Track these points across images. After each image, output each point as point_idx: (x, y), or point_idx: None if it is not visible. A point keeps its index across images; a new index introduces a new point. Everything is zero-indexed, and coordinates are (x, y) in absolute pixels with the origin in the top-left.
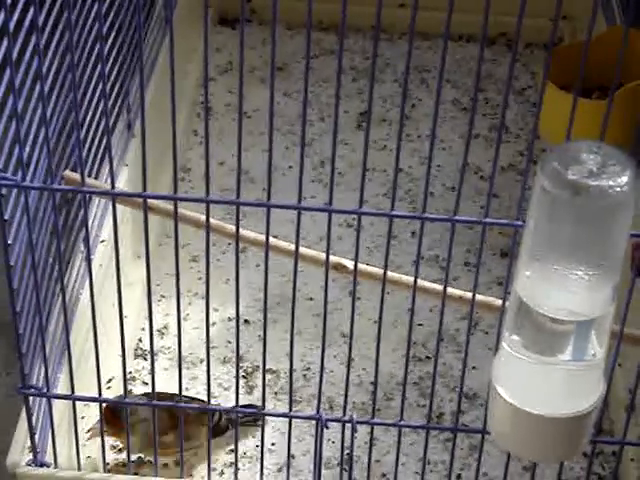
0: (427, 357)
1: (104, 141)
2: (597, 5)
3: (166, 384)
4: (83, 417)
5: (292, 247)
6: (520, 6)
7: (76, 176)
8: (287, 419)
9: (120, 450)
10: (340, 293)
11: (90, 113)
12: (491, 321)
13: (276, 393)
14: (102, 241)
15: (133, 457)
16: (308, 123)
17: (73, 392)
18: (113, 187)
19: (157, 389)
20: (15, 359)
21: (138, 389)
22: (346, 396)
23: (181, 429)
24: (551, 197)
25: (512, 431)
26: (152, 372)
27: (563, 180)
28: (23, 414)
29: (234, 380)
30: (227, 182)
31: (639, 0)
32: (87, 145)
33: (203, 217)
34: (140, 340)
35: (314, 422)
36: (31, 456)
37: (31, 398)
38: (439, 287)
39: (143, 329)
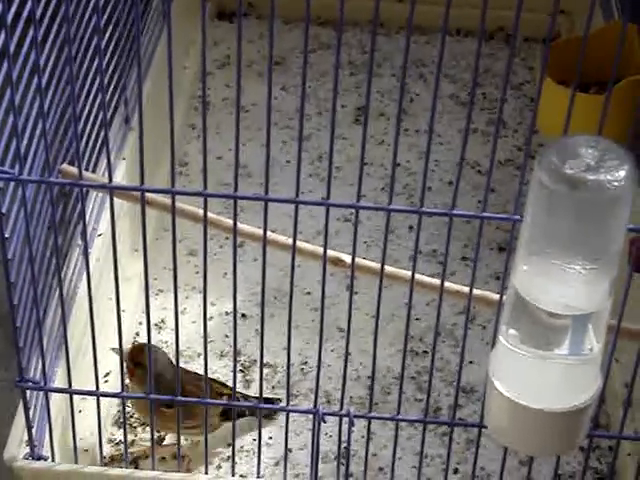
0: (424, 351)
1: (101, 134)
2: (595, 0)
3: None
4: (80, 411)
5: (290, 241)
6: (518, 1)
7: (73, 170)
8: (284, 413)
9: (118, 443)
10: (337, 287)
11: (87, 106)
12: (488, 315)
13: (273, 387)
14: (99, 235)
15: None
16: (306, 117)
17: (70, 386)
18: (110, 181)
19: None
20: (12, 352)
21: None
22: (343, 390)
23: (205, 424)
24: (549, 191)
25: (509, 425)
26: (149, 366)
27: (561, 174)
28: (20, 408)
29: (231, 374)
30: (225, 176)
31: None
32: (84, 138)
33: (201, 211)
34: (137, 334)
35: (311, 416)
36: (28, 450)
37: (28, 392)
38: (436, 281)
39: (140, 323)
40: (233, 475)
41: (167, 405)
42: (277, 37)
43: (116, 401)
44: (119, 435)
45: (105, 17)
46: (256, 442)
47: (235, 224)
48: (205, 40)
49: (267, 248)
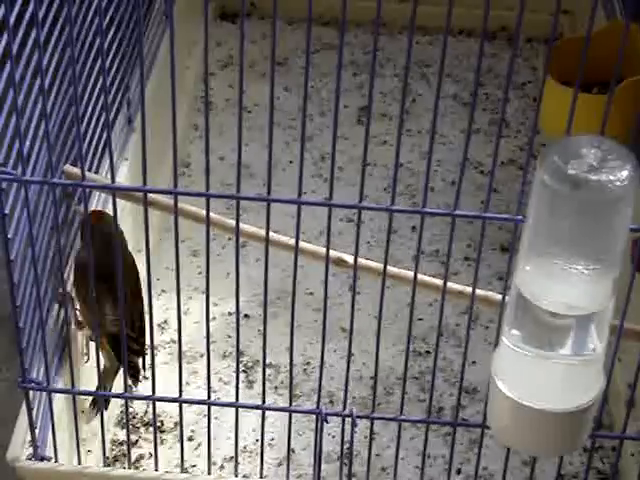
0: (427, 352)
1: (104, 135)
2: (598, 0)
3: (166, 378)
4: (83, 411)
5: (292, 242)
6: (520, 1)
7: (76, 170)
8: (287, 413)
9: (121, 443)
10: (340, 288)
11: (90, 107)
12: (491, 316)
13: (276, 387)
14: None
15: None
16: (308, 118)
17: (73, 386)
18: (113, 181)
19: (157, 383)
20: (15, 353)
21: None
22: (346, 390)
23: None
24: (551, 191)
25: (512, 425)
26: (152, 366)
27: (563, 174)
28: (23, 408)
29: (234, 374)
30: (227, 177)
31: None
32: (87, 139)
33: (203, 211)
34: None
35: (314, 416)
36: (31, 450)
37: (31, 392)
38: (439, 282)
39: None
40: (236, 475)
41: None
42: (280, 37)
43: (119, 402)
44: (122, 435)
45: (107, 18)
46: (259, 442)
47: (238, 224)
48: (208, 41)
49: (270, 248)
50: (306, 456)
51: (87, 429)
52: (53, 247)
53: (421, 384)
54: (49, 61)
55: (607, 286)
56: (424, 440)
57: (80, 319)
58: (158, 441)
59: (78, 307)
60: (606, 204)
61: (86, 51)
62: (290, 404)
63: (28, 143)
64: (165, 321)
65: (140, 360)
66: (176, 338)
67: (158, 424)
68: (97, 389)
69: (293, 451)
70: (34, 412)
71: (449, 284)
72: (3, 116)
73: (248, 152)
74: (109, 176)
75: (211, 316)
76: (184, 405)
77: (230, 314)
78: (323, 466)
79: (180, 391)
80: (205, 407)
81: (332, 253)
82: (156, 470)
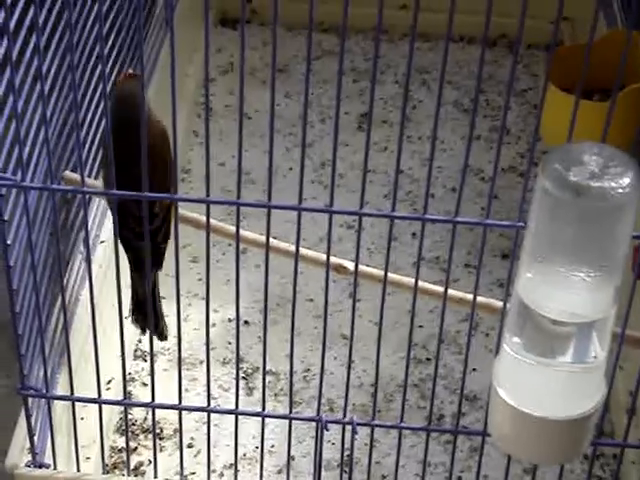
0: (427, 359)
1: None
2: (599, 7)
3: (166, 385)
4: (82, 418)
5: (292, 248)
6: (521, 8)
7: (76, 176)
8: (287, 421)
9: (120, 450)
10: (340, 294)
11: (90, 113)
12: (492, 323)
13: (276, 395)
14: (102, 242)
15: None
16: (309, 124)
17: (72, 393)
18: (113, 187)
19: (157, 390)
20: (14, 360)
21: (137, 390)
22: (346, 398)
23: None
24: (553, 199)
25: (513, 433)
26: (152, 373)
27: (565, 182)
28: (22, 415)
29: (234, 381)
30: (227, 183)
31: None
32: (87, 145)
33: (203, 218)
34: (140, 341)
35: (314, 424)
36: (30, 457)
37: (30, 399)
38: (440, 288)
39: None
40: None
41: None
42: (280, 44)
43: (118, 408)
44: (121, 442)
45: (108, 24)
46: (259, 450)
47: (238, 231)
48: (208, 47)
49: (270, 255)
50: (306, 464)
51: (86, 436)
52: (52, 253)
53: (421, 391)
54: (49, 67)
55: (609, 294)
56: (424, 448)
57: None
58: (157, 448)
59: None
60: (608, 211)
61: (86, 57)
62: (290, 411)
63: (28, 149)
64: None
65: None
66: (176, 345)
67: (157, 431)
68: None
69: (293, 458)
70: (33, 419)
71: (450, 291)
72: (3, 121)
73: (248, 158)
74: None
75: (211, 323)
76: (184, 412)
77: (230, 320)
78: (323, 474)
79: (180, 398)
80: (205, 414)
81: (332, 260)
82: (155, 477)
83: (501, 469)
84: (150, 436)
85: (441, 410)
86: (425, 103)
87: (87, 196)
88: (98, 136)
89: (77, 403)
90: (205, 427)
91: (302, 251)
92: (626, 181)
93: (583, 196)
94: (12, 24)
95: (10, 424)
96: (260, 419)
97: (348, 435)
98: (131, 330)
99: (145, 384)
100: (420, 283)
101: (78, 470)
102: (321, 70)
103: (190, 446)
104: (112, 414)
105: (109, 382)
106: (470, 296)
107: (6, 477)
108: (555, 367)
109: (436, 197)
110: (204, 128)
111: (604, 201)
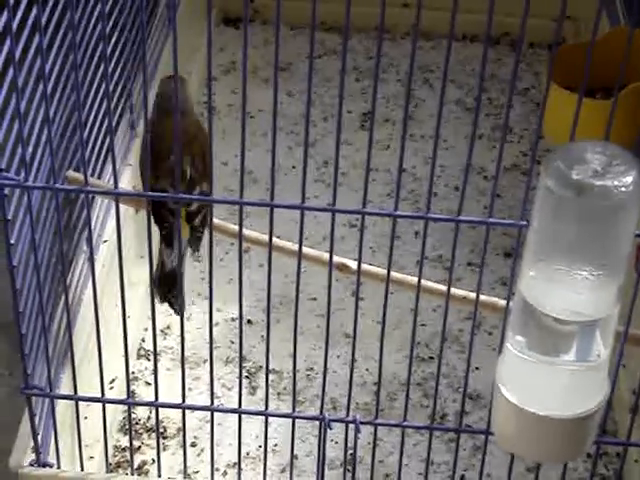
0: (430, 357)
1: (107, 141)
2: (602, 6)
3: (169, 384)
4: (86, 417)
5: (295, 247)
6: (524, 6)
7: (79, 176)
8: (290, 419)
9: (123, 449)
10: (343, 293)
11: (93, 113)
12: (495, 321)
13: (279, 393)
14: (105, 241)
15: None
16: (311, 123)
17: (76, 392)
18: (116, 187)
19: (160, 389)
20: (18, 359)
21: (141, 390)
22: (349, 397)
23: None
24: (555, 197)
25: (516, 432)
26: (155, 372)
27: (567, 180)
28: (26, 414)
29: (237, 380)
30: (230, 182)
31: None
32: (90, 145)
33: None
34: (143, 340)
35: (317, 423)
36: (34, 456)
37: (34, 398)
38: (443, 287)
39: (146, 329)
40: None
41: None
42: (282, 43)
43: (122, 407)
44: (125, 441)
45: (110, 24)
46: (262, 448)
47: (241, 230)
48: (210, 46)
49: (273, 254)
50: (309, 462)
51: (89, 435)
52: (56, 253)
53: (425, 390)
54: (52, 66)
55: (612, 292)
56: (428, 446)
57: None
58: (161, 447)
59: None
60: (611, 209)
61: (89, 57)
62: (293, 410)
63: (31, 149)
64: (168, 327)
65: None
66: (179, 344)
67: (161, 430)
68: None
69: (296, 457)
70: (37, 418)
71: (453, 290)
72: (6, 121)
73: (251, 157)
74: (112, 181)
75: (214, 322)
76: (187, 411)
77: (233, 319)
78: (326, 472)
79: (183, 397)
80: (208, 413)
81: (335, 258)
82: (159, 476)
83: (504, 468)
84: (153, 435)
85: (444, 409)
86: (427, 102)
87: (90, 196)
88: (101, 136)
89: (81, 402)
90: (208, 426)
91: (305, 250)
92: (629, 179)
93: (586, 195)
94: (15, 24)
95: (14, 423)
96: (263, 418)
97: (351, 434)
98: (134, 329)
99: (148, 383)
100: (423, 282)
101: (82, 469)
102: (323, 69)
103: (193, 445)
104: (116, 413)
105: (112, 381)
106: (473, 295)
107: (10, 476)
108: (558, 366)
109: (439, 196)
110: (207, 127)
111: (607, 200)
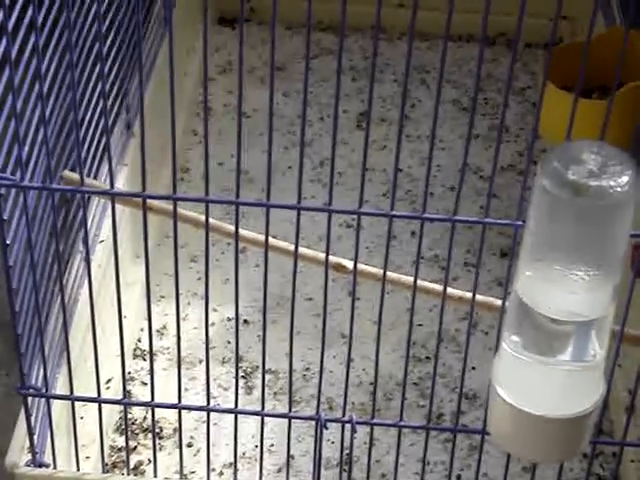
0: (427, 357)
1: (103, 141)
2: (597, 5)
3: (165, 384)
4: (82, 417)
5: (291, 247)
6: (520, 6)
7: (75, 176)
8: (286, 419)
9: (119, 450)
10: (340, 293)
11: (89, 113)
12: (491, 321)
13: (275, 393)
14: (101, 241)
15: None
16: (307, 123)
17: (72, 392)
18: (112, 187)
19: (156, 389)
20: (14, 359)
21: (137, 390)
22: (345, 396)
23: None
24: (551, 197)
25: (512, 432)
26: (151, 372)
27: (563, 180)
28: (22, 414)
29: (233, 380)
30: (226, 182)
31: (639, 1)
32: (86, 145)
33: (202, 217)
34: (139, 340)
35: (314, 423)
36: (30, 456)
37: (30, 398)
38: (439, 287)
39: (142, 329)
40: None
41: None
42: (279, 43)
43: (118, 408)
44: (121, 442)
45: (106, 23)
46: (258, 448)
47: (237, 230)
48: (207, 46)
49: (269, 254)
50: (306, 462)
51: (86, 435)
52: (52, 253)
53: (421, 390)
54: (48, 66)
55: (607, 292)
56: (424, 446)
57: None
58: (157, 447)
59: None
60: (606, 210)
61: (85, 56)
62: (289, 410)
63: (27, 148)
64: (164, 327)
65: None
66: (175, 344)
67: (157, 430)
68: None
69: (292, 457)
70: (33, 418)
71: (449, 289)
72: (2, 121)
73: (247, 157)
74: (108, 182)
75: (210, 322)
76: (183, 411)
77: (229, 320)
78: (323, 472)
79: (179, 397)
80: (204, 413)
81: (331, 258)
82: (155, 476)
83: (500, 467)
84: (150, 435)
85: (440, 409)
86: (424, 102)
87: (86, 196)
88: (97, 136)
89: (77, 402)
90: (205, 426)
91: (301, 250)
92: (625, 179)
93: (582, 195)
94: (11, 23)
95: (10, 423)
96: (259, 418)
97: (347, 434)
98: (130, 329)
99: (144, 383)
100: (419, 282)
101: (78, 469)
102: (320, 69)
103: (190, 445)
104: (112, 413)
105: (108, 381)
106: (469, 295)
107: (6, 476)
108: (554, 366)
109: (435, 196)
110: (203, 127)
111: (603, 200)
